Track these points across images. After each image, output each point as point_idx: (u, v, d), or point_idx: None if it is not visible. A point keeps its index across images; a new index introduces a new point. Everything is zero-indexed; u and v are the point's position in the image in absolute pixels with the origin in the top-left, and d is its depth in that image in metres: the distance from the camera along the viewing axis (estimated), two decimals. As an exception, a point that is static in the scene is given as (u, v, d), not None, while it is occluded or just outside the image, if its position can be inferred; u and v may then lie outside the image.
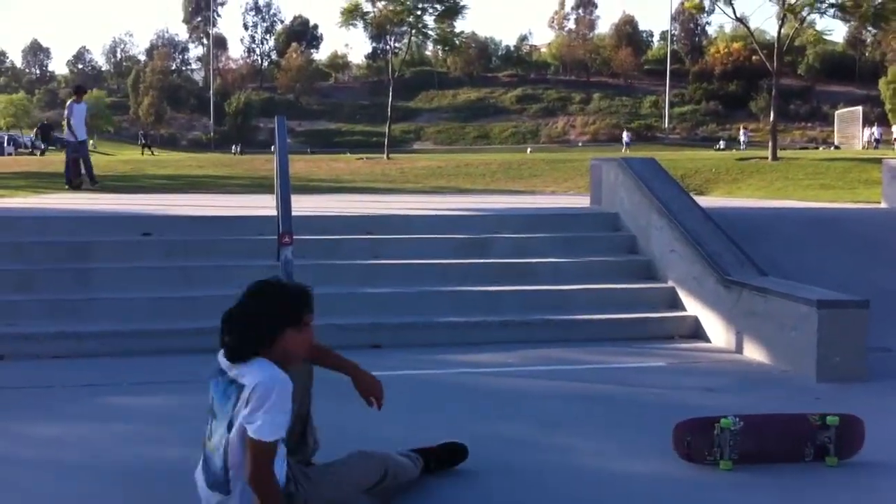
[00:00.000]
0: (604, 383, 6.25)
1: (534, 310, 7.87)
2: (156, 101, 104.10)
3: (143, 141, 65.19)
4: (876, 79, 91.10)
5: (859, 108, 59.66)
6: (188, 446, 4.79)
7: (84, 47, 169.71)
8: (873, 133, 58.43)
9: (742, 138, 69.48)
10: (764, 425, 4.51)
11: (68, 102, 17.99)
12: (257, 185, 19.57)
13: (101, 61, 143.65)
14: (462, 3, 35.31)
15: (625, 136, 78.92)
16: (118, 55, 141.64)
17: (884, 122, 71.02)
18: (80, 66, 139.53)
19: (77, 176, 17.74)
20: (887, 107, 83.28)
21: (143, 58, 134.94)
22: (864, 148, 51.75)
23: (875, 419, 4.83)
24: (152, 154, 38.66)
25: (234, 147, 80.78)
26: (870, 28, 32.38)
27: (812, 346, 6.21)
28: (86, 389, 5.99)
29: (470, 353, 7.06)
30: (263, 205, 10.84)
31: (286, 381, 3.27)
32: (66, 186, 17.64)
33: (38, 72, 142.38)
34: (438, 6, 35.06)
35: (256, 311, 3.39)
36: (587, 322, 7.67)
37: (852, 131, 56.65)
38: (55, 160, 29.78)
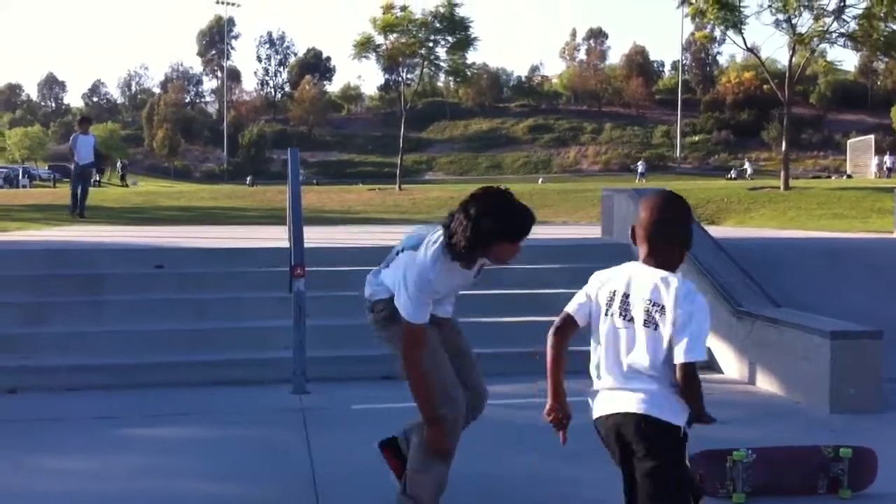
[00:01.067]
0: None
1: (546, 341, 7.84)
2: (170, 133, 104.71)
3: (121, 172, 65.21)
4: (888, 107, 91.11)
5: (871, 137, 59.54)
6: (198, 479, 4.80)
7: (99, 80, 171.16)
8: (885, 162, 58.30)
9: (748, 169, 69.38)
10: (777, 457, 4.49)
11: (73, 135, 18.37)
12: (270, 217, 19.64)
13: (115, 94, 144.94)
14: (473, 35, 35.53)
15: (639, 165, 78.78)
16: (133, 88, 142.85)
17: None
18: (95, 99, 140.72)
19: (76, 204, 18.08)
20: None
21: (157, 90, 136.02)
22: (876, 177, 51.61)
23: (890, 451, 4.80)
24: (125, 185, 38.29)
25: (247, 178, 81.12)
26: (881, 56, 32.36)
27: (825, 377, 6.18)
28: (98, 422, 6.01)
29: (487, 384, 7.03)
30: (276, 236, 10.88)
31: (425, 266, 3.66)
32: (72, 215, 17.99)
33: (53, 105, 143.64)
34: (450, 38, 35.26)
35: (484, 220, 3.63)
36: (599, 353, 7.64)
37: (864, 160, 56.51)
38: (69, 193, 29.95)
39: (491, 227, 3.60)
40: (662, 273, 3.05)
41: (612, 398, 3.15)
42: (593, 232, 12.32)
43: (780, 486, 4.39)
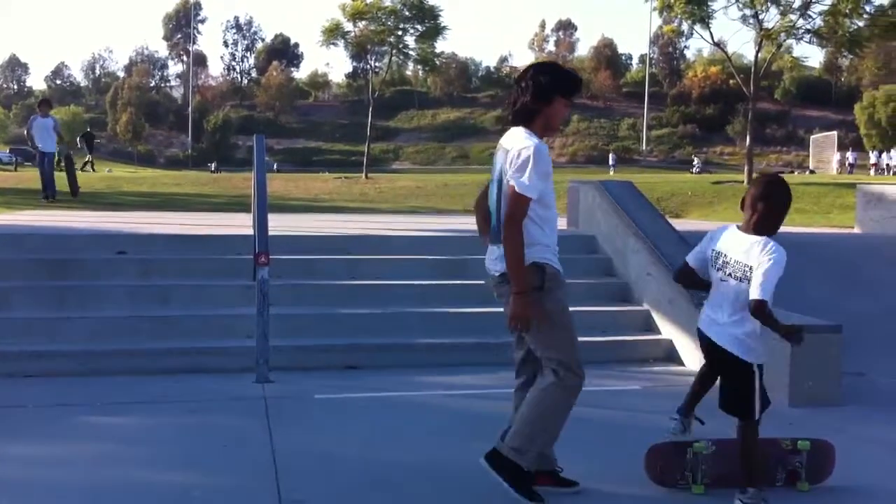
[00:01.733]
0: (579, 406, 6.22)
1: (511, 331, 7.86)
2: (133, 117, 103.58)
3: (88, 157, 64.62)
4: (851, 104, 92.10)
5: (834, 133, 60.38)
6: (160, 467, 4.78)
7: (63, 63, 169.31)
8: (847, 158, 59.15)
9: (696, 167, 70.04)
10: (736, 449, 4.53)
11: (31, 117, 18.16)
12: (235, 204, 19.50)
13: (79, 77, 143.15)
14: (443, 25, 35.45)
15: (611, 157, 79.27)
16: (97, 71, 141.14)
17: (859, 146, 71.84)
18: (59, 82, 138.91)
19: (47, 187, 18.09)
20: (862, 131, 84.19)
21: (122, 74, 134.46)
22: (838, 172, 52.32)
23: (848, 444, 4.87)
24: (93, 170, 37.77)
25: (211, 165, 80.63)
26: (846, 54, 32.71)
27: (785, 370, 6.25)
28: (59, 409, 5.95)
29: (448, 374, 7.06)
30: (240, 223, 10.82)
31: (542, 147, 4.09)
32: (40, 198, 18.01)
33: (15, 87, 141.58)
34: (419, 27, 35.17)
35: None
36: (563, 344, 7.68)
37: (827, 156, 57.25)
38: (31, 177, 29.56)
39: (549, 80, 4.16)
40: (755, 238, 4.12)
41: (710, 325, 4.37)
42: (559, 223, 12.37)
43: (738, 477, 4.44)
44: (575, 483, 4.44)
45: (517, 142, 4.13)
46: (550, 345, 4.20)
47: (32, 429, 5.47)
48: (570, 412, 4.29)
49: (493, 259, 4.44)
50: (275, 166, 69.41)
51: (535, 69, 4.25)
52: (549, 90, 4.15)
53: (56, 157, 19.36)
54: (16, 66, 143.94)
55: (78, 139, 39.97)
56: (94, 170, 39.16)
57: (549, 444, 4.33)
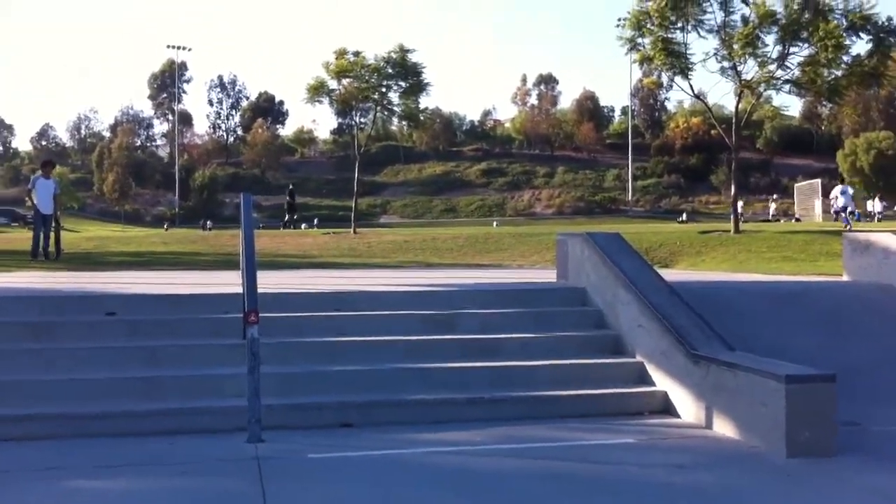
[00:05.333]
0: (573, 461, 6.21)
1: (501, 386, 7.83)
2: (120, 176, 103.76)
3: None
4: (833, 151, 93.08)
5: (818, 181, 60.86)
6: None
7: (48, 124, 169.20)
8: (833, 204, 59.61)
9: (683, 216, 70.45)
10: None
11: (32, 176, 18.24)
12: (223, 262, 19.45)
13: (65, 138, 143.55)
14: (426, 81, 35.75)
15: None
16: (82, 131, 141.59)
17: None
18: (44, 143, 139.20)
19: (37, 249, 18.15)
20: (846, 179, 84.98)
21: (107, 134, 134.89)
22: (822, 220, 52.76)
23: (845, 494, 4.83)
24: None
25: (205, 222, 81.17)
26: (825, 103, 33.08)
27: (781, 421, 6.21)
28: (46, 473, 5.85)
29: (438, 430, 7.00)
30: (229, 282, 10.77)
31: None
32: (30, 259, 18.01)
33: (1, 148, 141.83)
34: (403, 83, 35.45)
35: None
36: (555, 398, 7.64)
37: (812, 203, 57.69)
38: (17, 237, 29.49)
39: None
40: None
41: None
42: (549, 276, 12.37)
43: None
44: None
45: None
46: None
47: (17, 495, 5.36)
48: None
49: None
50: (260, 224, 70.15)
51: None
52: None
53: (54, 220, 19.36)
54: (1, 128, 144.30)
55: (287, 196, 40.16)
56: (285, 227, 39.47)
57: None
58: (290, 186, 42.21)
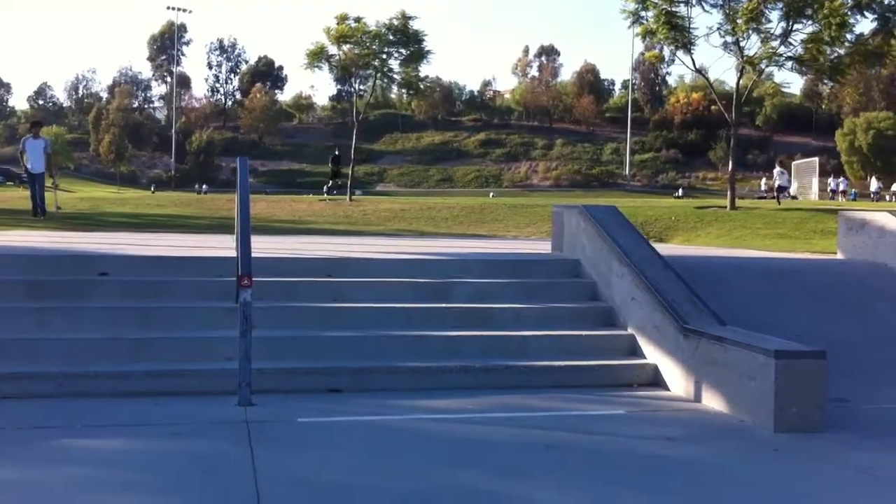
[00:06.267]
0: (563, 431, 6.24)
1: (494, 355, 7.85)
2: (117, 138, 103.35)
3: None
4: (832, 130, 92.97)
5: (815, 160, 60.89)
6: (139, 492, 4.71)
7: (45, 83, 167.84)
8: (829, 184, 59.77)
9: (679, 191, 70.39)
10: None
11: (23, 138, 18.52)
12: (218, 226, 19.44)
13: (62, 97, 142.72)
14: (427, 49, 35.63)
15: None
16: (80, 92, 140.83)
17: (840, 173, 72.48)
18: (41, 102, 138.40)
19: (37, 207, 18.55)
20: (843, 158, 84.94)
21: (105, 95, 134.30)
22: (818, 198, 52.88)
23: (832, 471, 4.85)
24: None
25: (201, 186, 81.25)
26: (826, 81, 33.05)
27: (770, 396, 6.23)
28: (39, 431, 5.86)
29: (430, 398, 7.01)
30: (223, 245, 10.76)
31: None
32: (38, 217, 18.53)
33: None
34: (403, 51, 35.33)
35: None
36: (547, 368, 7.66)
37: (809, 181, 57.73)
38: (11, 196, 29.45)
39: None
40: None
41: None
42: (544, 247, 12.37)
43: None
44: None
45: None
46: None
47: (9, 451, 5.37)
48: None
49: None
50: (266, 190, 70.40)
51: None
52: None
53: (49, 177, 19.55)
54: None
55: (330, 161, 39.11)
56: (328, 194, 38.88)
57: None
58: (336, 152, 40.84)
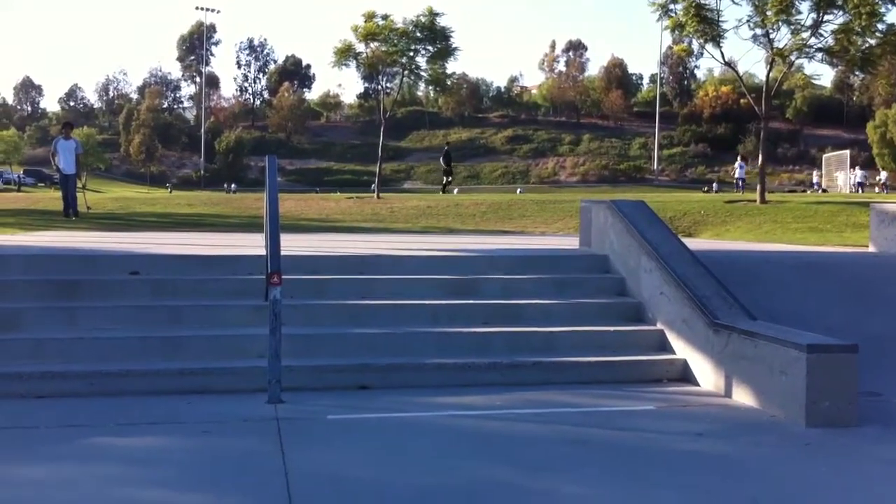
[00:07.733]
0: (592, 427, 6.22)
1: (522, 351, 7.84)
2: (147, 138, 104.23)
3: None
4: (863, 123, 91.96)
5: (846, 152, 60.22)
6: (170, 489, 4.74)
7: (76, 85, 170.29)
8: (852, 177, 58.79)
9: (714, 186, 69.93)
10: None
11: (55, 138, 18.81)
12: (247, 224, 19.55)
13: (93, 99, 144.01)
14: (454, 45, 35.65)
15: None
16: (111, 93, 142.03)
17: (871, 165, 71.64)
18: (72, 104, 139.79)
19: (68, 208, 18.97)
20: (874, 151, 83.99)
21: (135, 96, 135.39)
22: (843, 191, 52.35)
23: (863, 467, 4.81)
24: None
25: (230, 185, 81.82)
26: (857, 73, 32.71)
27: (801, 390, 6.19)
28: (70, 430, 5.93)
29: (458, 395, 7.02)
30: (253, 244, 10.82)
31: None
32: (70, 217, 18.90)
33: (29, 109, 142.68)
34: (431, 48, 35.36)
35: None
36: (575, 364, 7.65)
37: (838, 175, 57.16)
38: (43, 197, 29.76)
39: None
40: None
41: None
42: (571, 243, 12.34)
43: None
44: None
45: None
46: None
47: (43, 450, 5.44)
48: None
49: None
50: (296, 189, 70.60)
51: None
52: None
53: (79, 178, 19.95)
54: (30, 88, 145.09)
55: (444, 153, 37.55)
56: (444, 191, 38.17)
57: None
58: (446, 147, 38.88)
